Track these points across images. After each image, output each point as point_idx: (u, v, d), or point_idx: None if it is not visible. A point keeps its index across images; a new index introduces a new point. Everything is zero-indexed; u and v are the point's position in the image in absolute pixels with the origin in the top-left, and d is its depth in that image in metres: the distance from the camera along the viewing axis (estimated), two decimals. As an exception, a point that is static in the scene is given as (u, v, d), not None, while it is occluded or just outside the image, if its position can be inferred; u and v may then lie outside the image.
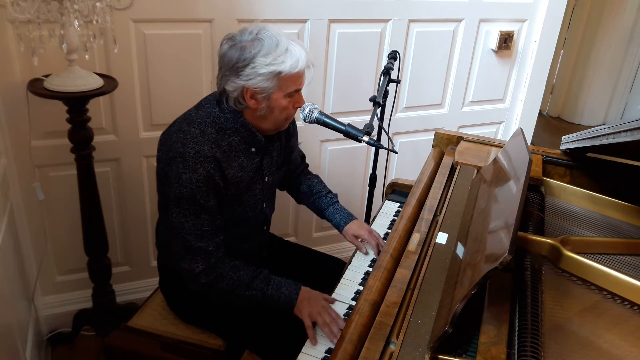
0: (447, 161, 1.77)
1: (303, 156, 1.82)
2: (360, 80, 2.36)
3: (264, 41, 1.34)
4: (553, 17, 2.61)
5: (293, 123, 1.65)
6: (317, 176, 1.82)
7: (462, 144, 1.84)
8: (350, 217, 1.71)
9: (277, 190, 1.72)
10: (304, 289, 1.44)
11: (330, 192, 1.77)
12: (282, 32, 1.38)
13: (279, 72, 1.34)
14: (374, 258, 1.60)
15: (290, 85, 1.38)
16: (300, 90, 1.43)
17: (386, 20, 2.30)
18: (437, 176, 1.69)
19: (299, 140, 1.97)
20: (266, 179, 1.56)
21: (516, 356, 0.95)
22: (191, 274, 1.41)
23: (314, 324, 1.36)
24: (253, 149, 1.48)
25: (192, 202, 1.36)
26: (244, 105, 1.40)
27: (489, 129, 2.84)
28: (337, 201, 1.76)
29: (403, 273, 1.24)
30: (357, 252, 1.64)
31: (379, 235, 1.67)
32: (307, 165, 1.84)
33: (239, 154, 1.45)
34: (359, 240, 1.65)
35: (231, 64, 1.35)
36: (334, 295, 1.45)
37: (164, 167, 1.41)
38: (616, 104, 4.94)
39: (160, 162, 1.44)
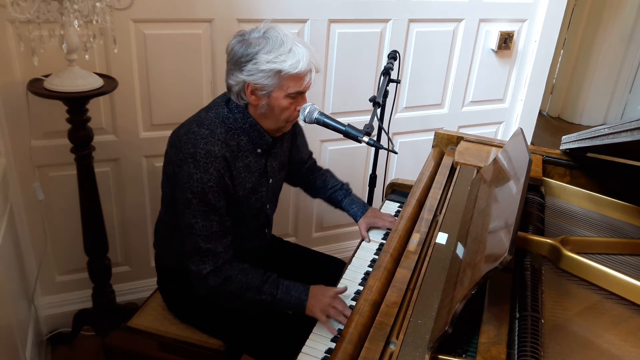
0: (447, 161, 1.77)
1: (311, 152, 1.86)
2: (360, 80, 2.36)
3: (270, 39, 1.36)
4: (553, 17, 2.61)
5: (296, 123, 1.66)
6: (328, 170, 1.88)
7: (462, 144, 1.84)
8: (365, 208, 1.78)
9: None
10: (312, 288, 1.45)
11: (343, 184, 1.84)
12: (290, 34, 1.39)
13: (280, 71, 1.35)
14: (374, 258, 1.60)
15: (291, 86, 1.38)
16: (303, 93, 1.43)
17: (386, 20, 2.29)
18: (437, 176, 1.69)
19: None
20: (270, 180, 1.58)
21: (516, 356, 0.95)
22: (199, 275, 1.41)
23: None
24: (259, 150, 1.49)
25: (202, 202, 1.37)
26: (245, 100, 1.41)
27: (489, 129, 2.84)
28: (351, 191, 1.83)
29: (403, 273, 1.24)
30: (358, 251, 1.65)
31: (393, 220, 1.73)
32: (315, 161, 1.87)
33: (247, 154, 1.47)
34: (368, 230, 1.73)
35: (236, 59, 1.38)
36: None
37: (174, 169, 1.41)
38: (616, 104, 4.94)
39: (170, 164, 1.45)
